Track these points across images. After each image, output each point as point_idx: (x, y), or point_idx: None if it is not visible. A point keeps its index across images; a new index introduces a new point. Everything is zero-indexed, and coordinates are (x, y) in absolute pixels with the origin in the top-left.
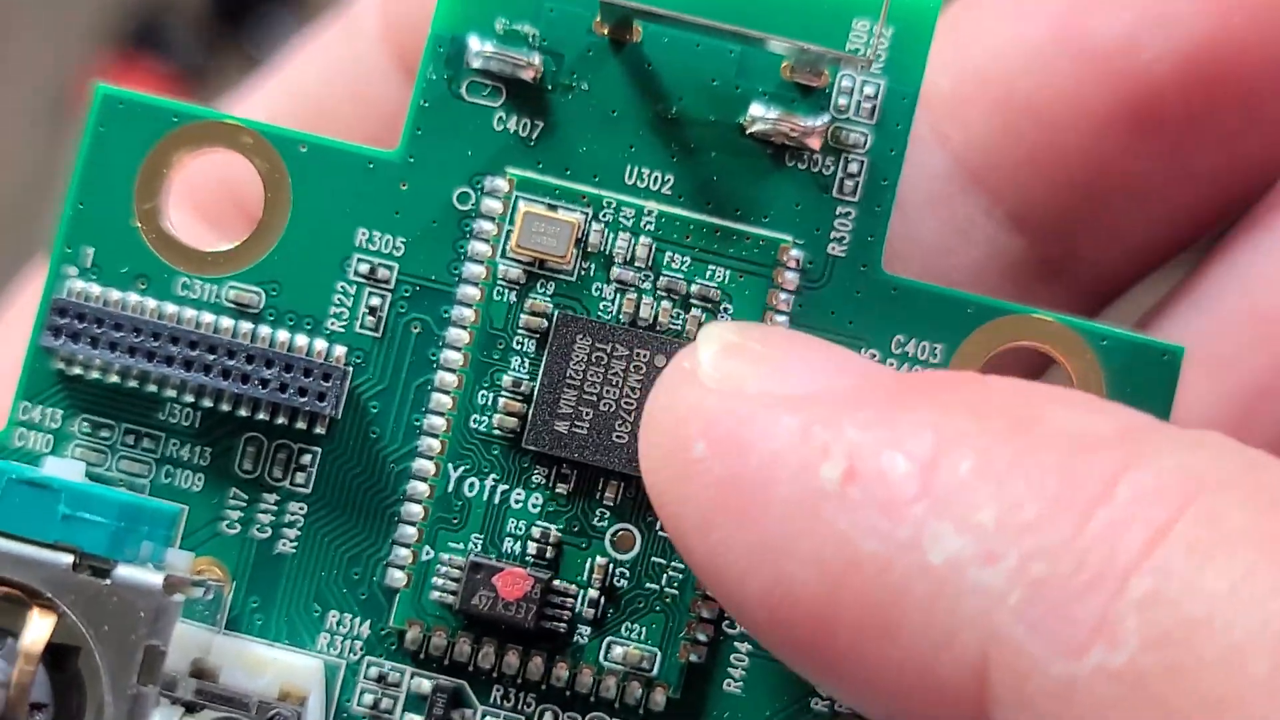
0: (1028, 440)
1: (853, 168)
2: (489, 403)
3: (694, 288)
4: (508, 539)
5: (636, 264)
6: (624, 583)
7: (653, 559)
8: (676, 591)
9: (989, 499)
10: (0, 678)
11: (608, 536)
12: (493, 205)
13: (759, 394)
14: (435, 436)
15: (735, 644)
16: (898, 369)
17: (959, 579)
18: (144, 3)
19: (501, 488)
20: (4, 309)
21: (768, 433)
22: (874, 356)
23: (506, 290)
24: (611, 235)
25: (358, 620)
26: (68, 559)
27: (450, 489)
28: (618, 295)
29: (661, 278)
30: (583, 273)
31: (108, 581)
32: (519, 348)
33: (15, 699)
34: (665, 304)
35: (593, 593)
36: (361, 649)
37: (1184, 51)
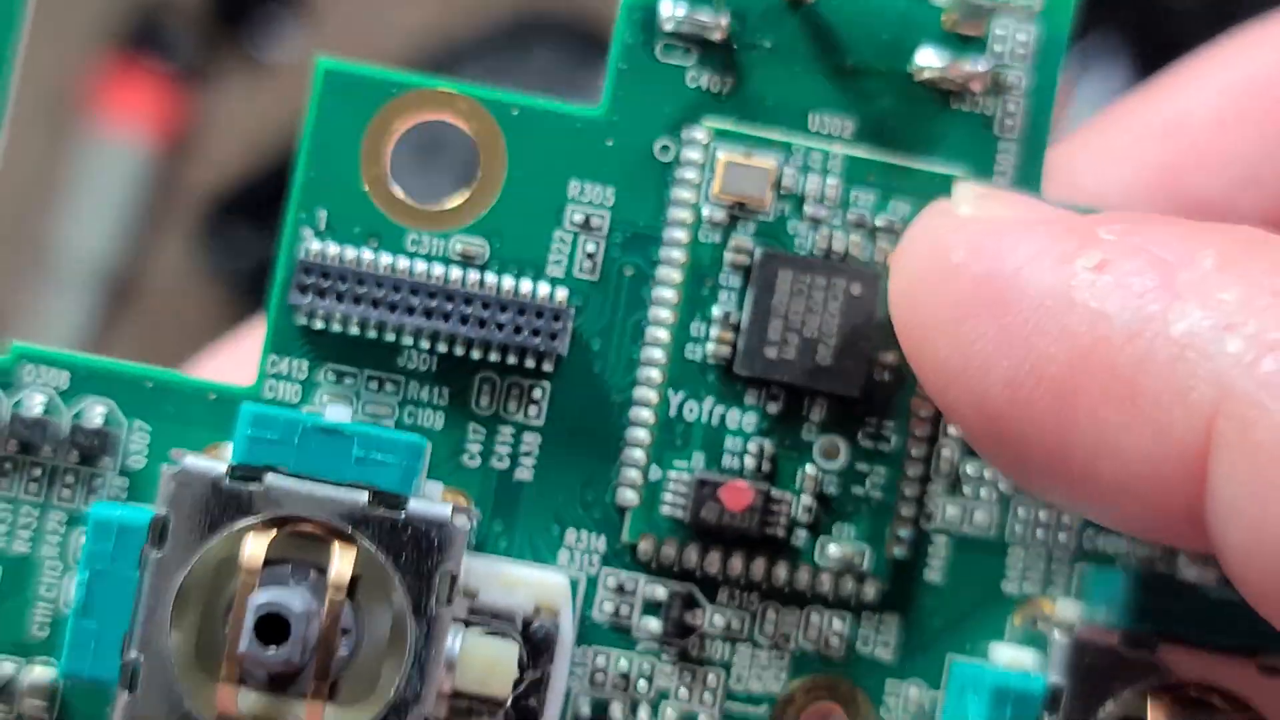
0: (1268, 249)
1: (1011, 107)
2: (702, 334)
3: (879, 220)
4: (727, 455)
5: (827, 202)
6: (833, 489)
7: (857, 466)
8: (881, 495)
9: (1231, 284)
10: (310, 606)
11: (816, 449)
12: (693, 155)
13: (1015, 217)
14: (655, 367)
15: (933, 538)
16: None
17: (1200, 344)
18: (144, 3)
19: (718, 410)
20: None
21: (1025, 238)
22: None
23: (711, 231)
24: (803, 177)
25: (594, 536)
26: (364, 496)
27: (672, 414)
28: (810, 231)
29: (850, 213)
30: (779, 212)
31: (402, 514)
32: (726, 283)
33: (329, 626)
34: (854, 237)
35: (806, 499)
36: (599, 562)
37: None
